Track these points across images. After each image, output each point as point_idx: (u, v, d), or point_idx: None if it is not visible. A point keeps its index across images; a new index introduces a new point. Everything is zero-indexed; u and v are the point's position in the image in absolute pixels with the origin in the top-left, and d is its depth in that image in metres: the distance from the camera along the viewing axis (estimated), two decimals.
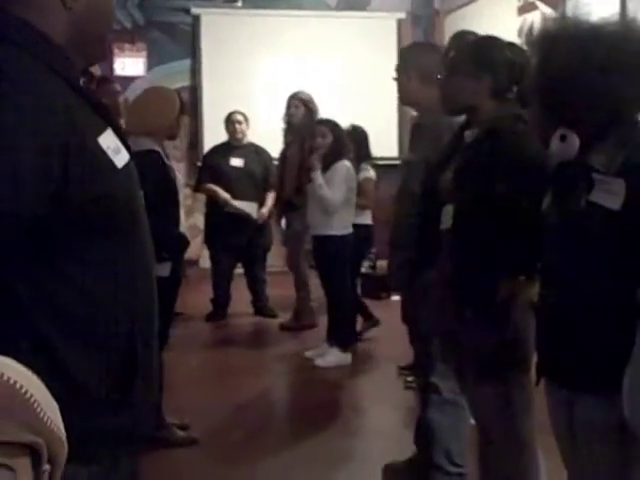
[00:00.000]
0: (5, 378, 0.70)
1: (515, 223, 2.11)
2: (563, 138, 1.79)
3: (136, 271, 1.35)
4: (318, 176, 4.84)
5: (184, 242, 3.44)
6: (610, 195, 1.72)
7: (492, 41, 2.37)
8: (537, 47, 1.91)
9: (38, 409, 0.71)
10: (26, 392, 0.70)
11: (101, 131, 1.28)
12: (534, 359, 2.05)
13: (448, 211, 2.30)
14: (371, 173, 5.47)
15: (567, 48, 1.78)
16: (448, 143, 2.47)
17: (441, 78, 2.51)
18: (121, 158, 1.31)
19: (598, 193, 1.74)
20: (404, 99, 3.25)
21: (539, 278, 1.99)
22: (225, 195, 5.89)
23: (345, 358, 4.94)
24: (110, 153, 1.28)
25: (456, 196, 2.28)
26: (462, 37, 3.14)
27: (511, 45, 2.28)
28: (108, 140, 1.29)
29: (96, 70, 5.82)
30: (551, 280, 1.93)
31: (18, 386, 0.70)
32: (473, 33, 2.96)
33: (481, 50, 2.32)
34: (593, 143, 1.79)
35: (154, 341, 1.41)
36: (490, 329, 2.15)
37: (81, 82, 1.36)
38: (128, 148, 1.36)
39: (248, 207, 5.89)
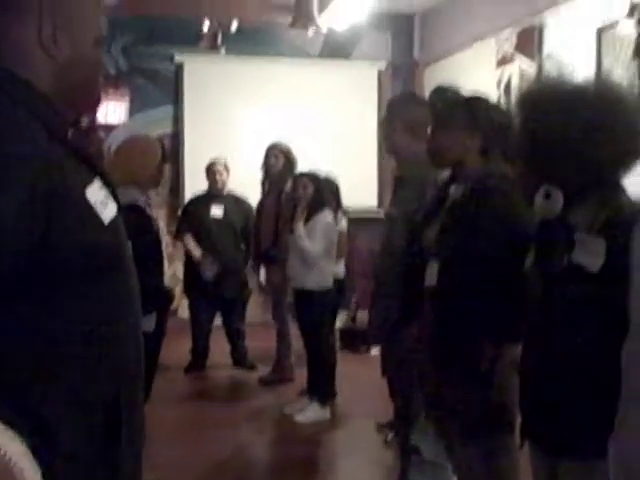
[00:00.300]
0: None
1: (499, 282, 2.09)
2: (547, 196, 1.78)
3: (123, 328, 1.30)
4: (300, 227, 4.84)
5: (169, 296, 3.40)
6: (591, 255, 1.71)
7: (481, 101, 2.43)
8: (520, 107, 1.92)
9: (21, 478, 0.67)
10: (10, 460, 0.67)
11: (88, 183, 1.25)
12: (519, 421, 2.02)
13: (432, 268, 2.29)
14: (343, 224, 5.46)
15: (550, 109, 1.79)
16: (432, 198, 2.47)
17: (430, 131, 2.52)
18: (109, 212, 1.27)
19: (579, 253, 1.73)
20: (389, 149, 3.25)
21: (523, 339, 1.97)
22: (196, 254, 5.87)
23: (324, 413, 4.87)
24: (98, 207, 1.24)
25: (441, 253, 2.27)
26: (442, 92, 3.17)
27: (496, 106, 2.33)
28: (96, 193, 1.25)
29: (84, 120, 5.78)
30: (534, 341, 1.90)
31: (2, 452, 0.66)
32: (453, 89, 2.99)
33: (473, 108, 2.37)
34: (575, 202, 1.78)
35: (140, 401, 1.37)
36: (474, 390, 2.12)
37: (70, 133, 1.33)
38: (116, 197, 1.32)
39: (212, 269, 5.84)
